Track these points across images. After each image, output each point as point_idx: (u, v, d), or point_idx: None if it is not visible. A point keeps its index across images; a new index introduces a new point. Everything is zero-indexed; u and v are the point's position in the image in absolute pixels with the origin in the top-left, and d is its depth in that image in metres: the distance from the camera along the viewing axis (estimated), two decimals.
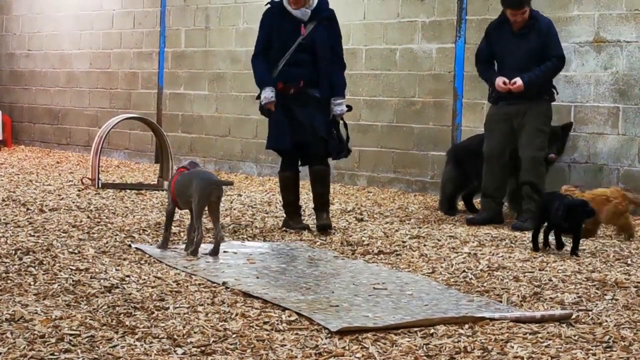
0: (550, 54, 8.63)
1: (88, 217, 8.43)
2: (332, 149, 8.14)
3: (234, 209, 9.32)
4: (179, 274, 6.15)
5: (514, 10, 8.64)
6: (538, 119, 8.66)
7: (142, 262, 6.52)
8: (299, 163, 8.34)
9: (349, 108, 8.22)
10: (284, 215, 8.37)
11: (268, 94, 8.00)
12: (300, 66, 7.99)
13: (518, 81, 8.54)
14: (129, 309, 5.14)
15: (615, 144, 9.57)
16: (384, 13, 11.52)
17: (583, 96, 9.77)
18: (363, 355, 4.37)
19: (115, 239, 7.37)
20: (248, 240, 7.63)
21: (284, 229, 8.14)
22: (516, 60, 8.67)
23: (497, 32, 8.86)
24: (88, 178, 10.98)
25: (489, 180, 8.88)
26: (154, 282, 5.86)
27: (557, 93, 8.97)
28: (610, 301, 5.58)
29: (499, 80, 8.62)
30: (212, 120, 13.70)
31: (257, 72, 8.16)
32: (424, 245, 7.45)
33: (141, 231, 7.77)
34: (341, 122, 8.20)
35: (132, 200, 9.79)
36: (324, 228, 7.97)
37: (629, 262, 6.85)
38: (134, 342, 4.51)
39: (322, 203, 8.16)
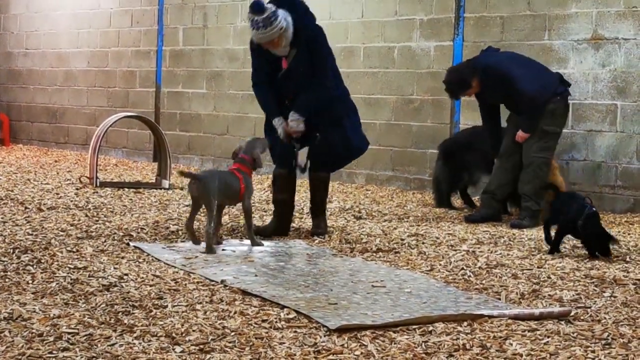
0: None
1: (86, 215, 8.42)
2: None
3: (232, 208, 9.31)
4: (177, 272, 6.14)
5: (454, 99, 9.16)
6: (544, 119, 8.64)
7: (141, 260, 6.52)
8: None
9: (305, 131, 7.64)
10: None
11: (279, 129, 7.62)
12: (288, 89, 7.61)
13: (519, 132, 8.68)
14: (127, 307, 5.14)
15: (613, 141, 9.57)
16: (382, 11, 11.52)
17: (581, 93, 9.77)
18: (362, 353, 4.37)
19: (114, 237, 7.36)
20: (246, 238, 7.61)
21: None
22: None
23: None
24: (86, 177, 10.98)
25: (495, 178, 8.89)
26: (152, 280, 5.86)
27: (569, 86, 8.94)
28: (608, 298, 5.58)
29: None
30: (210, 119, 13.69)
31: (262, 103, 7.83)
32: (423, 243, 7.44)
33: (139, 230, 7.76)
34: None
35: (130, 199, 9.78)
36: (317, 235, 7.73)
37: (628, 259, 6.85)
38: (132, 340, 4.51)
39: (317, 209, 7.95)
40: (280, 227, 7.82)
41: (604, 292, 5.76)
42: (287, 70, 7.58)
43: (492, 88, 8.66)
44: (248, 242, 7.38)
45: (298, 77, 7.56)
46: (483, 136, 9.15)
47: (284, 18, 7.38)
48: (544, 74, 8.79)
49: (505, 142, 8.84)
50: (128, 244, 7.10)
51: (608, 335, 4.70)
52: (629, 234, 8.12)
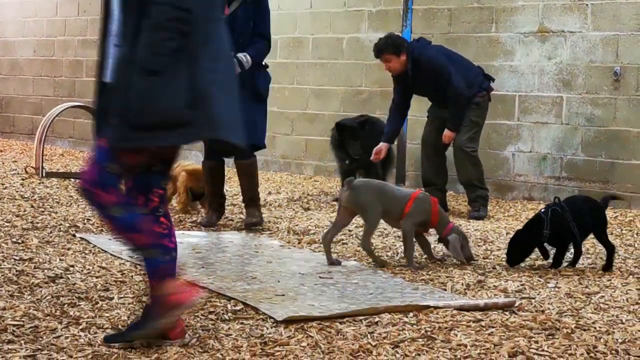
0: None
1: (32, 206, 8.35)
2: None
3: None
4: (124, 263, 6.12)
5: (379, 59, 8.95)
6: (472, 111, 8.74)
7: (87, 252, 6.48)
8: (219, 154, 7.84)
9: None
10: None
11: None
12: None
13: (446, 132, 8.71)
14: (73, 299, 5.11)
15: (558, 133, 9.67)
16: (330, 2, 11.52)
17: (527, 86, 9.86)
18: (308, 344, 4.39)
19: (60, 228, 7.31)
20: (193, 229, 7.60)
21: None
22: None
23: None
24: (32, 167, 10.87)
25: (429, 169, 8.95)
26: (98, 272, 5.83)
27: (493, 81, 9.05)
28: (552, 289, 5.65)
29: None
30: None
31: None
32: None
33: (86, 220, 7.71)
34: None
35: (77, 190, 9.70)
36: (253, 225, 7.67)
37: (571, 250, 6.93)
38: (78, 332, 4.48)
39: (249, 199, 7.84)
40: (219, 218, 7.83)
41: (548, 283, 5.82)
42: (229, 17, 7.41)
43: (424, 79, 8.71)
44: (194, 233, 7.36)
45: (234, 29, 7.36)
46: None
47: None
48: (471, 70, 8.91)
49: (427, 132, 9.02)
50: (74, 235, 7.05)
51: (551, 326, 4.75)
52: None
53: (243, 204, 8.01)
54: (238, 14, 7.57)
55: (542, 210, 6.33)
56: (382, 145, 8.81)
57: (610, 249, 6.30)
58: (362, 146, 9.25)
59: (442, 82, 8.61)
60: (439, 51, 8.90)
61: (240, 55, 7.38)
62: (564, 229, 6.18)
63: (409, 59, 8.68)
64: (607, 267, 6.27)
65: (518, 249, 6.26)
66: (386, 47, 8.75)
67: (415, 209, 6.29)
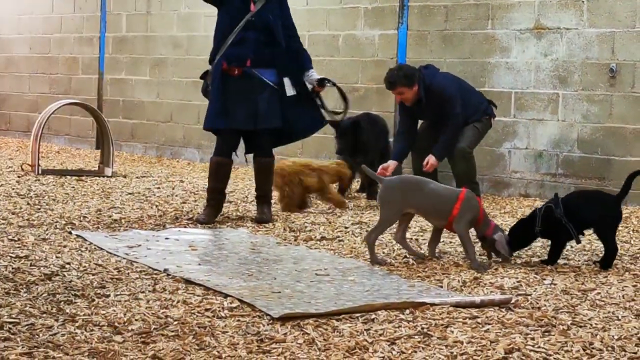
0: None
1: (28, 203, 8.34)
2: (317, 122, 8.07)
3: (176, 196, 9.28)
4: (120, 261, 6.12)
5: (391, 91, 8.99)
6: (477, 122, 9.04)
7: (83, 249, 6.48)
8: (238, 151, 8.05)
9: (323, 80, 7.99)
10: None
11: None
12: (245, 45, 7.69)
13: (430, 159, 8.75)
14: (70, 296, 5.11)
15: (554, 130, 9.67)
16: None
17: (523, 83, 9.86)
18: (305, 341, 4.39)
19: (56, 226, 7.30)
20: (190, 227, 7.60)
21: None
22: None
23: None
24: (28, 164, 10.86)
25: (416, 171, 8.96)
26: (94, 269, 5.83)
27: (496, 107, 9.28)
28: (549, 286, 5.65)
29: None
30: (153, 106, 13.61)
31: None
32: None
33: (82, 218, 7.70)
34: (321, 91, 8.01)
35: (73, 187, 9.70)
36: (262, 222, 7.77)
37: (568, 247, 6.93)
38: (75, 329, 4.48)
39: (263, 195, 7.99)
40: (216, 215, 7.83)
41: (544, 279, 5.83)
42: (254, 17, 7.65)
43: (433, 106, 8.80)
44: (191, 230, 7.37)
45: (265, 27, 7.67)
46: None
47: None
48: (476, 96, 9.15)
49: (419, 135, 9.08)
50: (70, 233, 7.05)
51: (548, 323, 4.76)
52: None
53: (255, 200, 8.06)
54: (265, 10, 7.70)
55: (540, 206, 6.34)
56: (391, 163, 8.78)
57: (609, 249, 6.23)
58: (350, 144, 9.23)
59: (447, 110, 8.76)
60: (449, 79, 9.06)
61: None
62: (556, 226, 6.17)
63: (421, 88, 8.72)
64: (603, 264, 6.22)
65: (513, 238, 6.28)
66: (399, 80, 8.76)
67: (465, 209, 6.18)
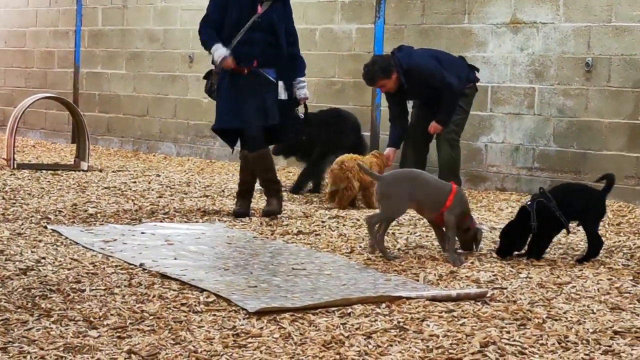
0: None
1: (3, 198, 8.30)
2: (292, 128, 8.05)
3: (153, 190, 9.26)
4: (95, 255, 6.09)
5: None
6: (460, 100, 8.92)
7: (58, 244, 6.45)
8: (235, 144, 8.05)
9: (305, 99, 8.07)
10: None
11: (221, 51, 7.67)
12: (253, 45, 7.72)
13: (434, 124, 8.88)
14: (45, 291, 5.08)
15: (531, 124, 9.70)
16: None
17: (500, 77, 9.88)
18: (281, 335, 4.38)
19: (31, 220, 7.27)
20: (166, 221, 7.58)
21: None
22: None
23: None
24: (3, 158, 10.80)
25: (410, 158, 9.00)
26: (70, 264, 5.80)
27: (478, 71, 9.19)
28: (524, 279, 5.67)
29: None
30: (129, 100, 13.56)
31: (204, 34, 7.83)
32: (343, 225, 7.48)
33: (57, 212, 7.67)
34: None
35: (48, 181, 9.66)
36: (270, 214, 7.79)
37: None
38: (50, 324, 4.46)
39: (267, 187, 7.96)
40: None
41: (520, 273, 5.84)
42: (260, 17, 7.69)
43: (416, 86, 8.78)
44: (167, 225, 7.35)
45: (270, 28, 7.74)
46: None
47: None
48: (458, 64, 9.07)
49: (413, 123, 9.10)
50: (46, 227, 7.01)
51: (523, 316, 4.77)
52: None
53: (265, 194, 8.07)
54: (271, 12, 7.75)
55: (528, 202, 6.32)
56: (389, 150, 8.83)
57: (595, 240, 6.25)
58: (288, 145, 9.24)
59: (435, 84, 8.75)
60: (425, 55, 9.00)
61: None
62: (550, 219, 6.18)
63: (400, 75, 8.71)
64: (583, 258, 6.23)
65: (509, 241, 6.26)
66: (376, 75, 8.78)
67: (457, 201, 6.25)
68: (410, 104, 9.29)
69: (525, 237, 6.28)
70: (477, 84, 9.25)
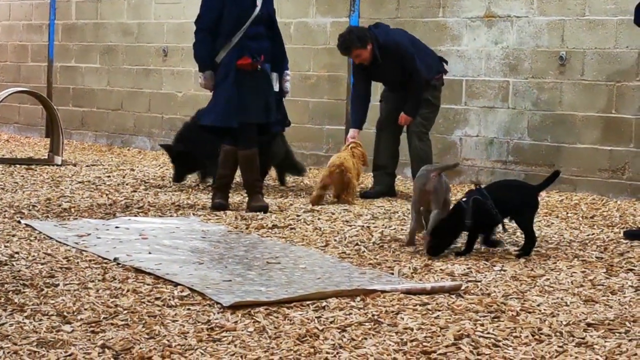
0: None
1: None
2: (280, 122, 8.06)
3: (127, 184, 9.23)
4: (69, 250, 6.06)
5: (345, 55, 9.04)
6: (429, 91, 8.87)
7: (32, 238, 6.42)
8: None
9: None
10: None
11: (208, 81, 7.73)
12: (257, 40, 7.74)
13: (403, 115, 8.82)
14: (18, 286, 5.05)
15: (505, 117, 9.73)
16: None
17: (474, 70, 9.91)
18: (255, 329, 4.38)
19: (4, 215, 7.23)
20: (141, 215, 7.55)
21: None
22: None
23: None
24: None
25: (382, 152, 9.00)
26: (43, 258, 5.77)
27: (447, 63, 9.16)
28: (498, 272, 5.69)
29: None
30: (103, 94, 13.51)
31: (199, 51, 7.78)
32: (319, 219, 7.48)
33: (31, 207, 7.63)
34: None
35: (22, 176, 9.61)
36: (262, 209, 7.74)
37: (518, 234, 6.98)
38: (23, 319, 4.44)
39: (252, 186, 7.92)
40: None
41: (494, 266, 5.86)
42: (260, 11, 7.74)
43: (390, 62, 8.69)
44: (142, 219, 7.33)
45: (268, 22, 7.82)
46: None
47: None
48: (429, 54, 9.04)
49: (384, 117, 9.07)
50: (19, 222, 6.98)
51: (497, 309, 4.79)
52: None
53: (247, 194, 8.05)
54: (266, 5, 7.82)
55: (463, 199, 6.24)
56: (354, 132, 8.82)
57: (529, 237, 6.23)
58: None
59: (406, 66, 8.67)
60: (403, 35, 8.96)
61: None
62: (485, 217, 6.16)
63: (375, 47, 8.68)
64: (523, 251, 6.20)
65: (440, 239, 6.18)
66: (353, 43, 8.69)
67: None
68: (377, 98, 9.26)
69: (458, 234, 6.22)
70: (450, 77, 9.26)
